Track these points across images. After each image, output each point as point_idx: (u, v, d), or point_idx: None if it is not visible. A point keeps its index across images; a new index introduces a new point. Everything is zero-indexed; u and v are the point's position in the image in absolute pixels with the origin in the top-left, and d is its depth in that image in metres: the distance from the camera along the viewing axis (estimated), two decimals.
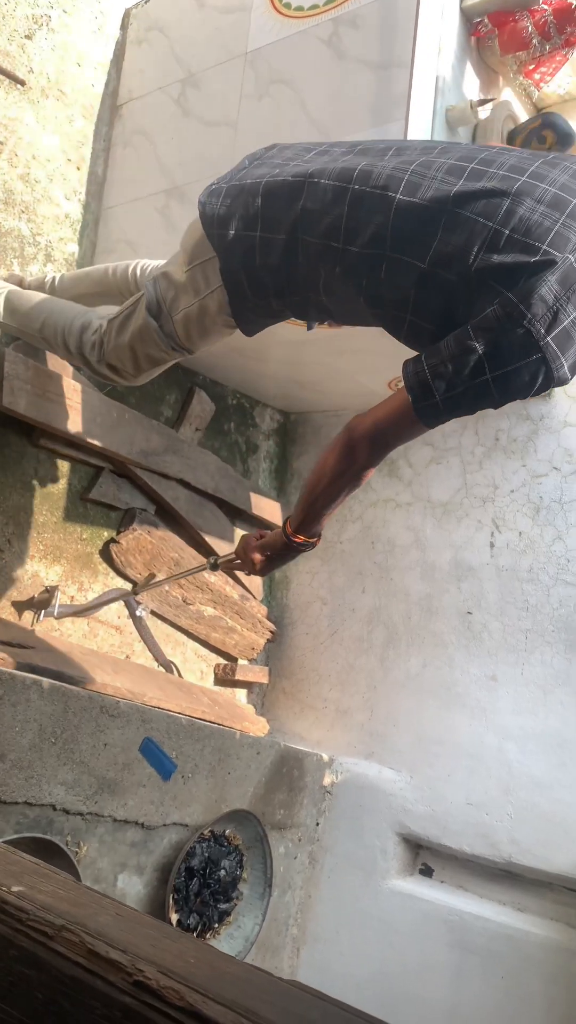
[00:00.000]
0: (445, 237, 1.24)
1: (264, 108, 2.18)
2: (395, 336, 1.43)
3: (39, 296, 1.99)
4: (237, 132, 2.22)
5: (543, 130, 2.08)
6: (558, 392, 2.62)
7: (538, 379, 1.20)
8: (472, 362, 1.19)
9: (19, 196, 2.25)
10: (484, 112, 2.10)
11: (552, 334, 1.16)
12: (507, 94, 2.31)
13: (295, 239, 1.39)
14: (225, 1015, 0.52)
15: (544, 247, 1.17)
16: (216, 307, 1.54)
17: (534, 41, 2.11)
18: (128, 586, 2.51)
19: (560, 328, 1.16)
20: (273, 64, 2.18)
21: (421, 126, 1.95)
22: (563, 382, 1.22)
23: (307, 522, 1.50)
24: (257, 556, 1.64)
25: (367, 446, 1.35)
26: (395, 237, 1.29)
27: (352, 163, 1.37)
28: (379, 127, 1.94)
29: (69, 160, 2.40)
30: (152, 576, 2.52)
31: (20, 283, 2.20)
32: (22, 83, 2.25)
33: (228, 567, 1.83)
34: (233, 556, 1.76)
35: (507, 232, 1.20)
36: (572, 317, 1.17)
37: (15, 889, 0.68)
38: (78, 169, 2.42)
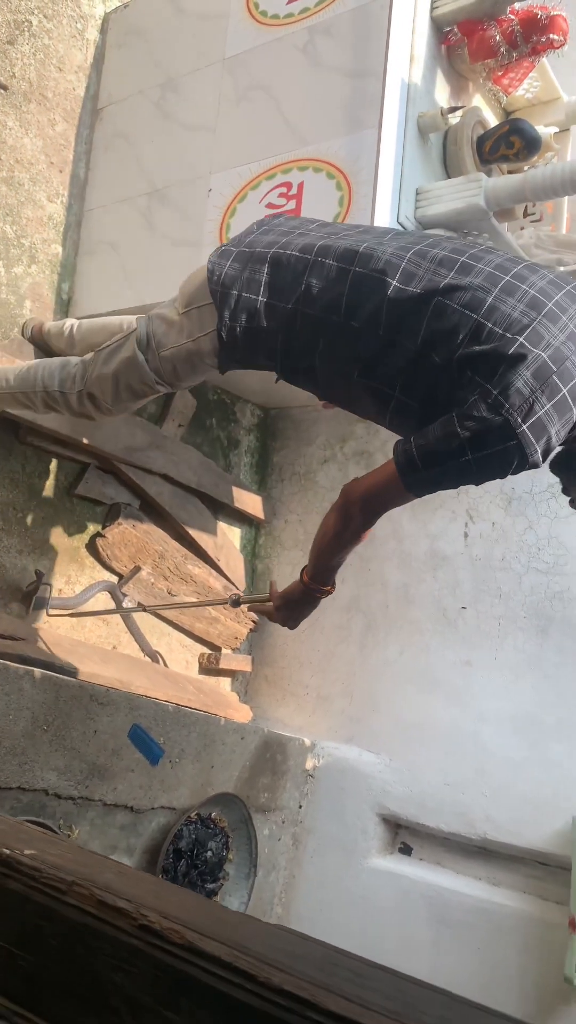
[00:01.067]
0: (432, 324, 1.38)
1: (242, 113, 2.24)
2: (378, 417, 1.56)
3: (15, 365, 2.08)
4: (216, 136, 2.28)
5: (511, 136, 2.16)
6: None
7: (513, 463, 1.32)
8: (455, 445, 1.33)
9: (3, 199, 2.30)
10: (454, 118, 2.18)
11: (528, 423, 1.29)
12: (477, 100, 2.39)
13: (296, 311, 1.50)
14: (220, 949, 0.60)
15: (521, 340, 1.30)
16: (209, 349, 1.64)
17: (502, 49, 2.19)
18: (114, 579, 2.58)
19: (535, 418, 1.29)
20: (250, 70, 2.25)
21: (393, 133, 2.03)
22: (535, 466, 1.35)
23: (319, 574, 1.64)
24: (278, 603, 1.77)
25: (360, 511, 1.48)
26: (389, 319, 1.42)
27: (355, 243, 1.50)
28: (353, 134, 2.02)
29: (51, 163, 2.45)
30: (137, 569, 2.60)
31: (40, 327, 2.31)
32: (5, 88, 2.30)
33: (252, 609, 1.94)
34: (258, 598, 1.90)
35: (489, 325, 1.33)
36: (546, 408, 1.29)
37: (27, 852, 0.75)
38: (60, 172, 2.47)
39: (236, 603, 2.01)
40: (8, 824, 0.86)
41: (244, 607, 2.01)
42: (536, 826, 2.39)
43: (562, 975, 2.13)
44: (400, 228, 1.53)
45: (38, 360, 2.05)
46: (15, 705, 1.82)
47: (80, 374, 1.89)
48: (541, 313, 1.34)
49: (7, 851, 0.75)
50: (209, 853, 2.31)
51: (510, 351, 1.30)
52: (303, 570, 1.70)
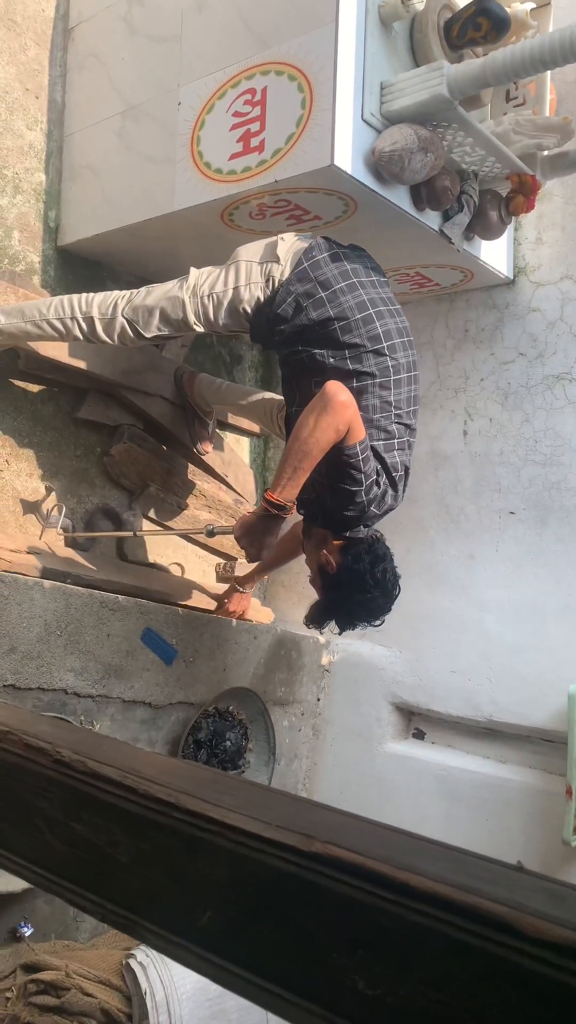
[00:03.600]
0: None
1: (204, 19, 2.22)
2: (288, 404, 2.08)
3: (24, 303, 2.24)
4: (182, 47, 2.27)
5: (478, 17, 2.10)
6: (521, 279, 2.69)
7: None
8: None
9: None
10: (419, 4, 2.13)
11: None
12: None
13: (290, 286, 1.95)
14: (113, 772, 0.72)
15: (384, 346, 1.93)
16: (249, 298, 1.96)
17: None
18: (123, 497, 2.70)
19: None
20: None
21: (352, 26, 2.00)
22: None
23: (296, 488, 1.85)
24: (238, 533, 1.96)
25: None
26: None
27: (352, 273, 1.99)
28: (310, 32, 1.99)
29: (27, 90, 2.47)
30: (147, 485, 2.72)
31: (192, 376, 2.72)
32: None
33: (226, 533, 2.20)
34: (228, 528, 2.09)
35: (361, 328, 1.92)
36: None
37: None
38: (37, 98, 2.49)
39: (211, 534, 2.15)
40: None
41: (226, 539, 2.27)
42: (538, 706, 2.50)
43: (561, 838, 2.28)
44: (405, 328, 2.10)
45: (67, 295, 2.19)
46: (27, 614, 1.98)
47: (125, 297, 2.08)
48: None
49: None
50: (228, 743, 2.49)
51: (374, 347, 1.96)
52: (270, 493, 1.83)
